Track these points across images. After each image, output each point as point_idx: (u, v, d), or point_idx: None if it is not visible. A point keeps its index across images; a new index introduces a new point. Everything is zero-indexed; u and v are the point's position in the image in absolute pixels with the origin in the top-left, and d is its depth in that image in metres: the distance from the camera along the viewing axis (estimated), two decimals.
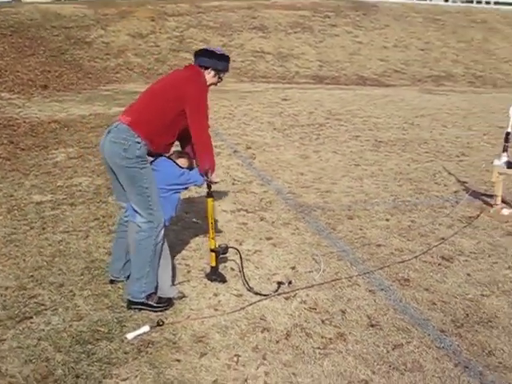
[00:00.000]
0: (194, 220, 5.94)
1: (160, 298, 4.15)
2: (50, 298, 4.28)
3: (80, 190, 6.89)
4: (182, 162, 4.29)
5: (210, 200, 4.49)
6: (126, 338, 3.74)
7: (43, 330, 3.84)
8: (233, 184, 7.30)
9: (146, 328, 3.83)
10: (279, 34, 24.48)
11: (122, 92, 16.06)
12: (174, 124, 4.15)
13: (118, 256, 4.47)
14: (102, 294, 4.33)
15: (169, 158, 4.28)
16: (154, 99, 4.19)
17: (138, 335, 3.76)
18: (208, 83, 4.35)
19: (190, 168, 4.34)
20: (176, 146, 4.42)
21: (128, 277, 4.44)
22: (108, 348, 3.62)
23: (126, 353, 3.58)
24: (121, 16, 23.65)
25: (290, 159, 8.78)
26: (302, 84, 20.17)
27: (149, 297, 4.10)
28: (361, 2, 29.97)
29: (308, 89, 18.36)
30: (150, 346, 3.67)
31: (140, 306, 4.09)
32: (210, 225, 4.54)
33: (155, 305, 4.11)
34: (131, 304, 4.12)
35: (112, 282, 4.51)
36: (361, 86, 20.61)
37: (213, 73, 4.34)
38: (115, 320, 3.97)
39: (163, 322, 3.91)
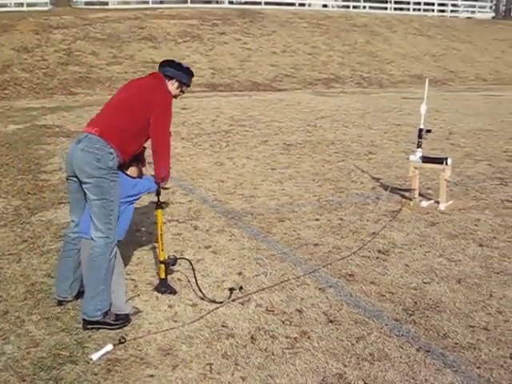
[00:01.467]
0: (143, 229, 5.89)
1: (117, 315, 4.07)
2: None
3: None
4: (132, 171, 4.25)
5: (159, 212, 4.48)
6: (90, 359, 3.63)
7: None
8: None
9: (109, 347, 3.74)
10: (169, 44, 24.44)
11: (14, 109, 15.45)
12: (141, 133, 4.12)
13: (65, 276, 4.32)
14: (53, 317, 4.18)
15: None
16: (121, 109, 4.14)
17: (103, 355, 3.67)
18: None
19: (139, 176, 4.31)
20: None
21: (76, 296, 4.35)
22: (75, 371, 3.51)
23: (95, 374, 3.49)
24: (2, 30, 22.73)
25: (206, 167, 8.82)
26: (196, 92, 20.18)
27: (105, 315, 4.01)
28: (246, 9, 30.51)
29: (204, 97, 18.45)
30: (118, 364, 3.60)
31: (97, 326, 3.99)
32: (160, 236, 4.52)
33: (113, 322, 4.02)
34: (87, 324, 4.00)
35: (60, 303, 4.36)
36: (255, 91, 20.95)
37: (176, 84, 4.34)
38: (74, 342, 3.85)
39: (125, 339, 3.83)
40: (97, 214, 3.94)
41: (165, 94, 4.23)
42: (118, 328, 4.00)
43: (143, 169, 4.40)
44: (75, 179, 4.02)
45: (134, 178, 4.27)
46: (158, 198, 4.45)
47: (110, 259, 4.01)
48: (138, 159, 4.36)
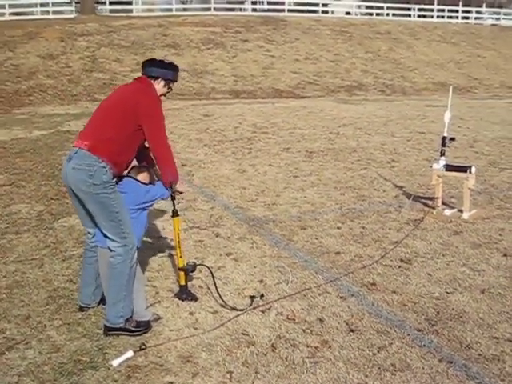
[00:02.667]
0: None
1: (138, 321, 4.08)
2: (18, 331, 4.11)
3: (21, 218, 6.65)
4: (143, 176, 4.23)
5: (176, 219, 4.47)
6: (111, 365, 3.64)
7: (20, 365, 3.68)
8: (178, 202, 7.23)
9: (129, 353, 3.75)
10: (192, 51, 24.56)
11: (39, 115, 15.64)
12: (132, 140, 4.04)
13: (87, 282, 4.35)
14: (74, 323, 4.20)
15: (129, 175, 4.23)
16: (107, 118, 4.05)
17: (123, 361, 3.68)
18: (159, 94, 4.21)
19: (152, 181, 4.30)
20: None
21: (99, 303, 4.37)
22: (95, 377, 3.53)
23: (115, 380, 3.49)
24: (28, 37, 23.05)
25: (228, 174, 8.82)
26: (219, 99, 20.29)
27: (127, 321, 4.02)
28: (269, 16, 30.59)
29: (227, 104, 18.49)
30: (138, 371, 3.60)
31: (119, 332, 4.00)
32: (177, 243, 4.51)
33: (134, 329, 4.03)
34: (109, 330, 4.02)
35: (82, 309, 4.38)
36: (277, 98, 20.98)
37: (163, 83, 4.20)
38: (95, 348, 3.87)
39: (146, 346, 3.84)
40: (106, 228, 3.94)
41: (151, 98, 4.09)
42: (139, 335, 4.01)
43: (154, 173, 4.38)
44: (74, 193, 4.00)
45: (146, 184, 4.25)
46: (174, 204, 4.42)
47: (132, 266, 4.02)
48: (150, 164, 4.35)
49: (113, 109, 4.09)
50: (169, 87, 4.29)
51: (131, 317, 4.07)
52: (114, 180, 3.99)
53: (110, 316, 4.01)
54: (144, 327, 4.07)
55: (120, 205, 3.96)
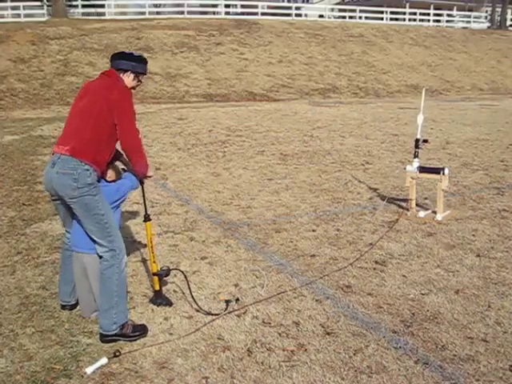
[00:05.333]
0: None
1: (134, 326, 4.03)
2: None
3: None
4: (109, 175, 4.19)
5: (148, 223, 4.43)
6: (85, 372, 3.58)
7: None
8: (152, 206, 7.19)
9: (103, 360, 3.70)
10: (166, 54, 24.49)
11: (11, 120, 15.45)
12: (111, 137, 3.98)
13: (66, 281, 4.33)
14: (47, 330, 4.13)
15: None
16: (83, 118, 3.97)
17: (97, 368, 3.62)
18: (128, 86, 4.17)
19: (118, 177, 4.25)
20: None
21: (75, 305, 4.37)
22: None
23: None
24: None
25: (203, 178, 8.79)
26: (193, 103, 20.24)
27: (122, 327, 3.97)
28: (242, 20, 30.59)
29: (201, 107, 18.47)
30: (113, 378, 3.54)
31: (115, 338, 3.95)
32: (150, 248, 4.47)
33: (131, 334, 3.97)
34: (105, 337, 3.96)
35: (63, 307, 4.38)
36: (251, 101, 21.00)
37: (132, 76, 4.16)
38: (68, 355, 3.80)
39: (120, 353, 3.79)
40: (93, 232, 3.90)
41: (122, 92, 4.04)
42: (137, 339, 3.96)
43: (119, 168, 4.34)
44: (57, 198, 3.97)
45: (114, 181, 4.21)
46: (146, 208, 4.42)
47: (121, 271, 3.98)
48: (112, 162, 4.30)
49: (88, 109, 3.99)
50: (138, 80, 4.25)
51: (127, 322, 4.02)
52: (98, 183, 3.96)
53: (103, 323, 3.95)
54: (141, 331, 4.02)
55: (105, 207, 3.93)
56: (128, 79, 4.16)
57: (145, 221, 4.47)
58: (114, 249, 3.92)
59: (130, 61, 4.16)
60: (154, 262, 4.48)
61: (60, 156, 3.87)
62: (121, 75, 4.14)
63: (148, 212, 4.48)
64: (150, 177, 4.38)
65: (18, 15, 29.51)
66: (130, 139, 4.04)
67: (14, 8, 29.75)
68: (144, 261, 5.39)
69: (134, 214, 6.42)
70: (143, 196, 4.53)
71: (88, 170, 3.83)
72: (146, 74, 4.33)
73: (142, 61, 4.24)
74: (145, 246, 5.72)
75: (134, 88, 4.26)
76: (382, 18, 39.55)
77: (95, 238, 3.90)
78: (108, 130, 3.95)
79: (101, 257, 3.94)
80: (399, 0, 42.63)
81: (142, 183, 4.38)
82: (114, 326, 3.93)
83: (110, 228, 3.92)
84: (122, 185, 4.21)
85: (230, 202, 7.44)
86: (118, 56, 4.20)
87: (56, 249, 5.67)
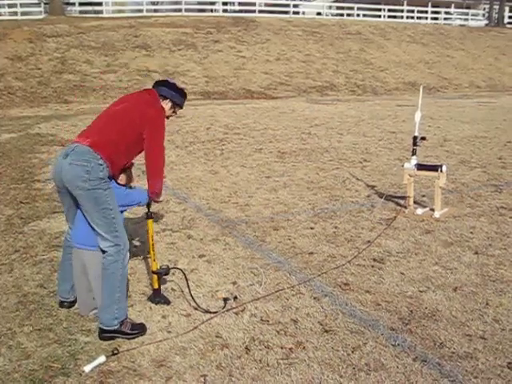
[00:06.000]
0: None
1: (133, 324, 4.03)
2: None
3: None
4: (121, 178, 4.23)
5: (150, 221, 4.44)
6: (83, 371, 3.58)
7: None
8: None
9: (102, 358, 3.69)
10: (163, 52, 24.45)
11: (8, 118, 15.41)
12: (132, 148, 4.08)
13: (65, 277, 4.33)
14: (45, 329, 4.13)
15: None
16: (114, 121, 4.08)
17: (95, 367, 3.62)
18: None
19: (128, 183, 4.29)
20: None
21: (74, 302, 4.37)
22: None
23: None
24: None
25: (200, 176, 8.78)
26: (191, 100, 20.15)
27: (122, 324, 3.97)
28: (240, 17, 30.56)
29: (199, 105, 18.45)
30: (111, 376, 3.54)
31: (113, 334, 3.94)
32: (151, 246, 4.48)
33: (130, 332, 3.97)
34: (104, 333, 3.95)
35: (62, 304, 4.38)
36: (249, 99, 20.98)
37: (170, 104, 4.31)
38: (66, 354, 3.80)
39: (118, 351, 3.78)
40: (100, 226, 3.90)
41: (159, 110, 4.20)
42: (135, 337, 3.96)
43: (132, 176, 4.38)
44: (66, 191, 3.98)
45: (125, 185, 4.24)
46: (149, 209, 4.42)
47: (124, 266, 4.01)
48: (127, 168, 4.34)
49: (120, 114, 4.11)
50: (174, 111, 4.41)
51: (125, 319, 4.02)
52: (109, 179, 3.99)
53: (104, 319, 3.95)
54: (139, 330, 4.02)
55: (113, 203, 3.95)
56: (166, 106, 4.31)
57: (147, 218, 4.48)
58: (118, 244, 3.94)
59: (172, 90, 4.32)
60: (154, 260, 4.49)
61: (76, 147, 3.89)
62: (160, 100, 4.27)
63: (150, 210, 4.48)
64: (159, 201, 4.43)
65: (15, 13, 29.43)
66: (157, 157, 4.15)
67: (10, 6, 29.67)
68: (142, 259, 5.39)
69: (132, 213, 6.41)
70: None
71: (102, 165, 3.85)
72: (182, 108, 4.49)
73: (183, 94, 4.41)
74: (143, 244, 5.73)
75: (167, 117, 4.37)
76: (379, 16, 39.52)
77: (101, 232, 3.91)
78: (132, 139, 4.04)
79: (104, 252, 3.95)
80: None
81: (148, 205, 4.40)
82: (116, 322, 3.94)
83: (117, 223, 3.95)
84: (131, 195, 4.26)
85: (228, 199, 7.44)
86: (162, 83, 4.37)
87: (54, 247, 5.66)
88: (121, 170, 4.18)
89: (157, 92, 4.30)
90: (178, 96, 4.36)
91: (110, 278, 3.95)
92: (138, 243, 5.82)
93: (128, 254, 4.05)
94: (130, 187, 4.35)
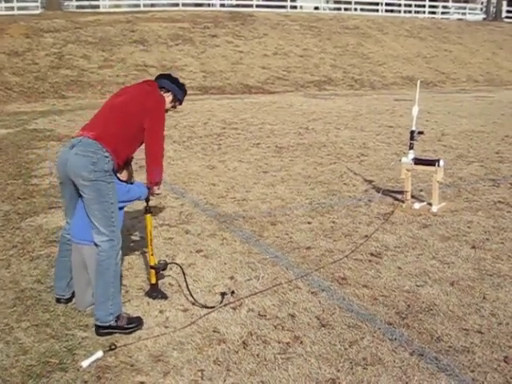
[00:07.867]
0: None
1: (129, 318, 4.04)
2: None
3: None
4: (123, 174, 4.25)
5: (148, 216, 4.44)
6: (80, 366, 3.58)
7: None
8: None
9: (99, 353, 3.69)
10: (160, 47, 24.38)
11: (5, 113, 15.36)
12: (135, 139, 4.13)
13: (62, 275, 4.33)
14: (43, 324, 4.12)
15: None
16: (116, 113, 4.12)
17: (93, 362, 3.62)
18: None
19: (129, 179, 4.32)
20: None
21: (71, 298, 4.36)
22: (64, 379, 3.46)
23: (85, 382, 3.43)
24: None
25: (198, 171, 8.77)
26: (189, 95, 20.02)
27: (117, 319, 3.97)
28: (237, 12, 30.48)
29: (196, 100, 18.39)
30: (108, 371, 3.54)
31: (110, 330, 3.95)
32: (149, 241, 4.48)
33: (126, 326, 3.98)
34: (100, 329, 3.95)
35: (58, 300, 4.38)
36: (246, 94, 20.95)
37: (171, 97, 4.36)
38: (64, 349, 3.80)
39: (115, 346, 3.78)
40: (98, 218, 3.91)
41: (158, 100, 4.23)
42: (132, 332, 3.96)
43: (132, 172, 4.40)
44: (69, 183, 3.99)
45: (126, 181, 4.26)
46: (147, 203, 4.43)
47: (117, 262, 4.02)
48: (128, 163, 4.35)
49: (122, 106, 4.15)
50: (173, 105, 4.46)
51: (121, 314, 4.02)
52: (113, 172, 4.03)
53: (99, 315, 3.95)
54: (136, 323, 4.02)
55: (115, 197, 3.98)
56: (167, 100, 4.34)
57: (145, 213, 4.48)
58: (113, 239, 3.95)
59: (174, 84, 4.38)
60: (152, 255, 4.49)
61: (81, 139, 3.93)
62: (162, 92, 4.31)
63: (149, 205, 4.49)
64: (157, 194, 4.51)
65: (12, 8, 29.33)
66: (156, 144, 4.21)
67: (7, 1, 29.59)
68: (139, 254, 5.39)
69: (130, 208, 6.40)
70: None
71: (107, 157, 3.89)
72: (181, 104, 4.56)
73: (184, 90, 4.48)
74: (140, 239, 5.73)
75: (167, 111, 4.39)
76: (377, 10, 39.45)
77: (98, 226, 3.92)
78: (133, 131, 4.09)
79: (97, 246, 3.95)
80: None
81: (147, 200, 4.44)
82: (111, 317, 3.94)
83: (115, 218, 3.97)
84: (132, 190, 4.29)
85: (226, 194, 7.43)
86: (165, 76, 4.45)
87: (51, 242, 5.65)
88: (124, 163, 4.19)
89: (159, 84, 4.34)
90: (180, 91, 4.41)
91: (105, 274, 3.96)
92: (135, 238, 5.82)
93: (121, 252, 4.06)
94: (132, 183, 4.37)
